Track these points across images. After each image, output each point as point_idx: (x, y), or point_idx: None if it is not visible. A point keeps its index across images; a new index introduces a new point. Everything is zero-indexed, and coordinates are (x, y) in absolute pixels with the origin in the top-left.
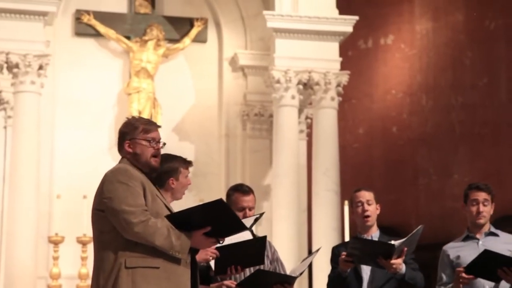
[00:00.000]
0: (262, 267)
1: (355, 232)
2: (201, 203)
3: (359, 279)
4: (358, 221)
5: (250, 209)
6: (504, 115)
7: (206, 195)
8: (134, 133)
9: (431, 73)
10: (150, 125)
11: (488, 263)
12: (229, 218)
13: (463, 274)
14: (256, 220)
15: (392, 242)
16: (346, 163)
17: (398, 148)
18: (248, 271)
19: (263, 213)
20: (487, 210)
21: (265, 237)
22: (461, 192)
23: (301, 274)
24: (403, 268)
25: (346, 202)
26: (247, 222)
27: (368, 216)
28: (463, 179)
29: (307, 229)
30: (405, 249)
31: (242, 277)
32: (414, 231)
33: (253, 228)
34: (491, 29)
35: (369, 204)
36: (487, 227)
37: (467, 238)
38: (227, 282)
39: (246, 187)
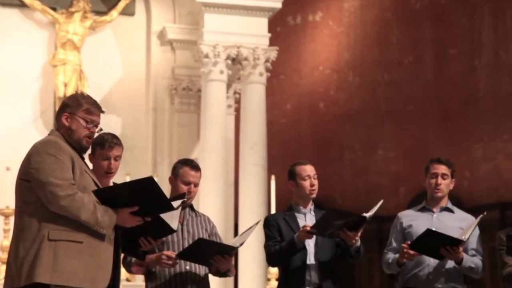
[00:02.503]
0: (184, 235)
1: (282, 206)
2: (128, 177)
3: (304, 250)
4: (302, 193)
5: (195, 185)
6: (429, 93)
7: (133, 168)
8: (76, 109)
9: (358, 50)
10: (94, 108)
11: (432, 242)
12: (157, 197)
13: (408, 250)
14: (183, 202)
15: (364, 214)
16: (273, 138)
17: (325, 124)
18: (190, 241)
19: (188, 199)
20: (445, 183)
21: None
22: (386, 168)
23: (241, 245)
24: (359, 240)
25: (273, 177)
26: (173, 204)
27: (314, 190)
28: (388, 155)
29: (233, 203)
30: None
31: (186, 245)
32: (378, 204)
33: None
34: (417, 8)
35: (315, 178)
36: (445, 202)
37: (423, 209)
38: (167, 252)
39: (196, 163)
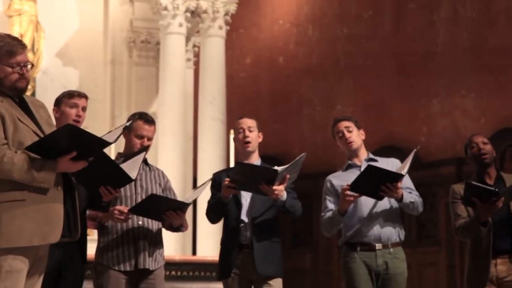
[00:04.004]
0: (141, 186)
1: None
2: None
3: (239, 206)
4: (240, 148)
5: (149, 139)
6: (387, 47)
7: (91, 122)
8: None
9: (318, 3)
10: (15, 47)
11: (372, 180)
12: (88, 138)
13: (348, 192)
14: (125, 128)
15: (276, 168)
16: (232, 93)
17: (284, 79)
18: (144, 196)
19: (127, 124)
20: (354, 134)
21: (103, 153)
22: None
23: (193, 201)
24: (284, 195)
25: (232, 131)
26: (111, 136)
27: (248, 142)
28: (347, 110)
29: (192, 157)
30: (288, 176)
31: (139, 200)
32: (297, 158)
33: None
34: None
35: (250, 131)
36: (365, 154)
37: (349, 167)
38: (119, 207)
39: (150, 117)
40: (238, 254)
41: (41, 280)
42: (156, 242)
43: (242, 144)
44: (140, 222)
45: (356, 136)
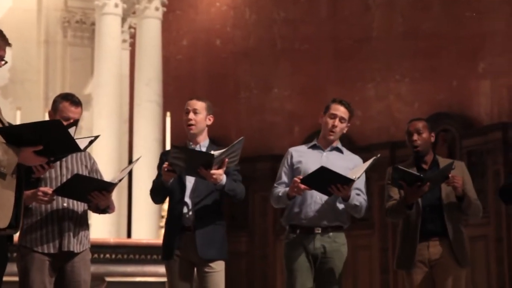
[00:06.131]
0: (74, 167)
1: (177, 143)
2: (18, 112)
3: (183, 188)
4: (186, 129)
5: (75, 121)
6: (324, 31)
7: (24, 103)
8: None
9: None
10: (2, 40)
11: (324, 179)
12: (64, 139)
13: (299, 184)
14: (91, 142)
15: (212, 152)
16: (169, 75)
17: (221, 61)
18: (65, 178)
19: (98, 136)
20: (341, 127)
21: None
22: (281, 106)
23: (120, 181)
24: (223, 179)
25: (168, 114)
26: (81, 143)
27: (191, 125)
28: (283, 94)
29: (128, 139)
30: (226, 160)
31: (59, 183)
32: (235, 142)
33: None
34: None
35: (195, 113)
36: (335, 142)
37: (314, 147)
38: (43, 188)
39: (76, 98)
40: (180, 236)
41: None
42: (81, 224)
43: (185, 126)
44: (65, 204)
45: (340, 130)
